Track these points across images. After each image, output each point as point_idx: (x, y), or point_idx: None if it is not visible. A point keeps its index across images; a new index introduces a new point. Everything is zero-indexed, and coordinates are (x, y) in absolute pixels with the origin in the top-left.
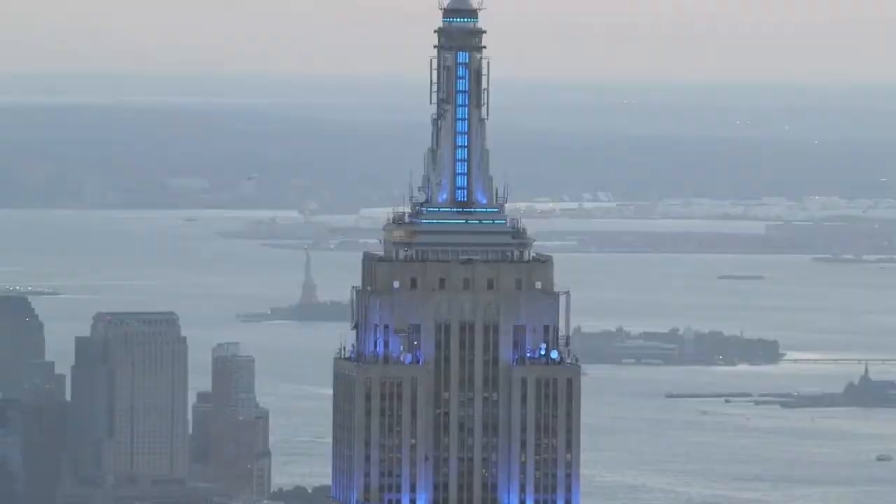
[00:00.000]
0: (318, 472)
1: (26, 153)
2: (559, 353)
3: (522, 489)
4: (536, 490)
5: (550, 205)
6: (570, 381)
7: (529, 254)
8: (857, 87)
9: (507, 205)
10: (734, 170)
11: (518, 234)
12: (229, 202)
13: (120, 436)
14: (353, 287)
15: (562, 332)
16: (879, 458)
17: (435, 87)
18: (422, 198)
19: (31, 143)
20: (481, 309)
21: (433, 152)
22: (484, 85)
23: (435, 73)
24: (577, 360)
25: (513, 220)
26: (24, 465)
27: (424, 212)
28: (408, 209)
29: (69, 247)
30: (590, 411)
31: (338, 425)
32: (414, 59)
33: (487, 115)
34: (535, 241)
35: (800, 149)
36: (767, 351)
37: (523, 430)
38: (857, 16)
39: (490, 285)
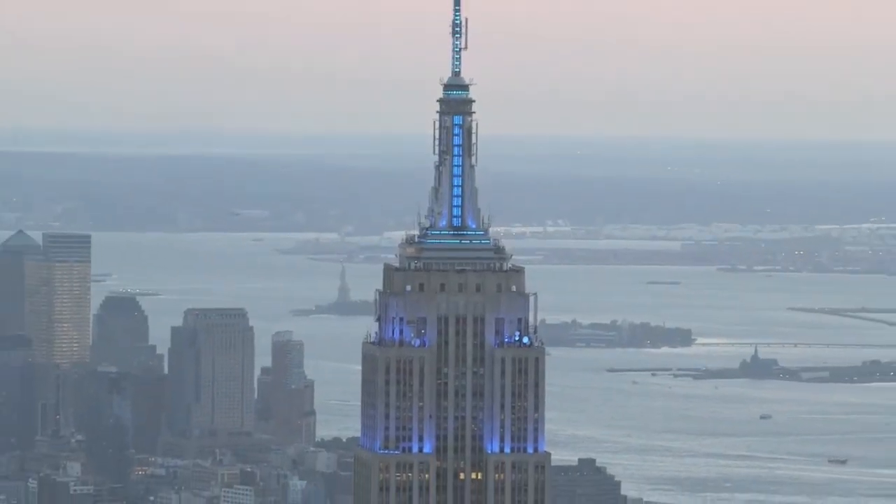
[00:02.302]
0: (350, 427)
1: (135, 190)
2: (529, 338)
3: (502, 439)
4: (512, 440)
5: (523, 229)
6: (537, 360)
7: (507, 265)
8: (750, 142)
9: (490, 229)
10: (660, 203)
11: (499, 251)
12: (284, 227)
13: (204, 400)
14: (376, 289)
15: (531, 323)
16: (762, 417)
17: (437, 142)
18: (427, 224)
19: (138, 183)
20: (472, 306)
21: (436, 190)
22: (473, 140)
23: (437, 131)
24: (542, 343)
25: (495, 240)
26: (133, 422)
27: (429, 234)
28: (417, 232)
29: (167, 260)
30: (552, 382)
31: (365, 392)
32: (421, 120)
33: (476, 162)
34: (511, 256)
35: (708, 188)
36: (683, 337)
37: (502, 395)
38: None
39: (478, 289)
